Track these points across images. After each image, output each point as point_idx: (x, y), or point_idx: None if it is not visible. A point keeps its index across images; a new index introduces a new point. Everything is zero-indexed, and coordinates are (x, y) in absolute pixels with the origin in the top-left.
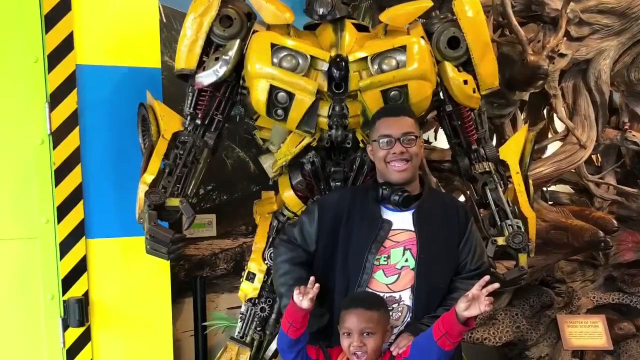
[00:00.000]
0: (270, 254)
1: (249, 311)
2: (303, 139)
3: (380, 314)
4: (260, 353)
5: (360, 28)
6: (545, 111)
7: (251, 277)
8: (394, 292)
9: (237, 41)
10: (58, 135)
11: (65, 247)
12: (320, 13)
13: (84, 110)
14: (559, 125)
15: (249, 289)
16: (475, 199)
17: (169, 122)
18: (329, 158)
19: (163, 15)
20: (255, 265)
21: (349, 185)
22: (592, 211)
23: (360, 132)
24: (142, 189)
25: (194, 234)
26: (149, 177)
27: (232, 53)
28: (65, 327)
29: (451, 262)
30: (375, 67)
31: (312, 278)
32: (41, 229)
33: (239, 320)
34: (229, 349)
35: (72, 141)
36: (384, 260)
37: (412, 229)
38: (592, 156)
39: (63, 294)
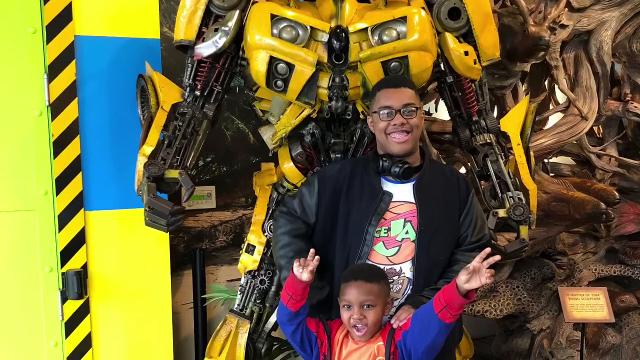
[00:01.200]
0: (270, 226)
1: (248, 283)
2: (303, 111)
3: (381, 287)
4: (260, 325)
5: None
6: (546, 82)
7: (251, 249)
8: (395, 264)
9: (237, 12)
10: (56, 107)
11: (64, 219)
12: None
13: (83, 82)
14: (560, 97)
15: (248, 261)
16: (476, 170)
17: (168, 93)
18: (329, 130)
19: None
20: (255, 237)
21: (349, 157)
22: (594, 183)
23: (360, 103)
24: (141, 160)
25: (193, 205)
26: (147, 148)
27: (231, 24)
28: (64, 299)
29: (452, 234)
30: (376, 38)
31: (312, 250)
32: (39, 201)
33: (239, 292)
34: (228, 321)
35: (70, 113)
36: (385, 233)
37: (413, 200)
38: (594, 128)
39: (62, 267)
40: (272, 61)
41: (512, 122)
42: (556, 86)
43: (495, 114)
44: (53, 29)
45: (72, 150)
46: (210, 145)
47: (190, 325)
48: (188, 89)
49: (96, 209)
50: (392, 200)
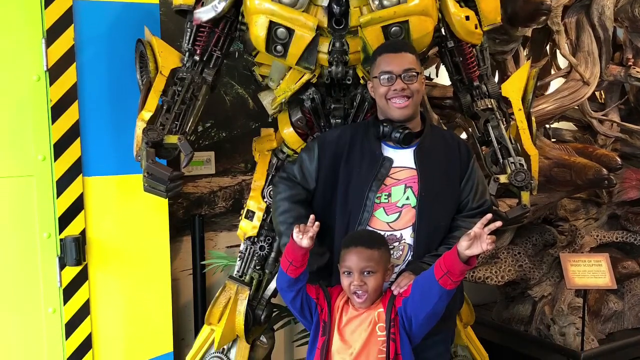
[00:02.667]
0: (270, 191)
1: (248, 250)
2: (303, 76)
3: (381, 253)
4: (260, 292)
5: None
6: (548, 47)
7: (250, 215)
8: (395, 230)
9: None
10: (55, 72)
11: (62, 185)
12: None
13: (81, 47)
14: (562, 62)
15: (248, 227)
16: (477, 136)
17: (167, 58)
18: (329, 95)
19: None
20: (255, 203)
21: (349, 122)
22: (596, 148)
23: (360, 68)
24: (140, 126)
25: (193, 171)
26: (146, 114)
27: None
28: (62, 266)
29: (453, 200)
30: (376, 2)
31: (312, 216)
32: (38, 166)
33: (238, 259)
34: (227, 288)
35: (69, 78)
36: (385, 198)
37: (413, 166)
38: (596, 93)
39: (60, 233)
40: (272, 26)
41: (514, 87)
42: (558, 51)
43: (496, 79)
44: None
45: (71, 116)
46: (209, 111)
47: (190, 291)
48: (187, 54)
49: (95, 174)
50: (393, 166)
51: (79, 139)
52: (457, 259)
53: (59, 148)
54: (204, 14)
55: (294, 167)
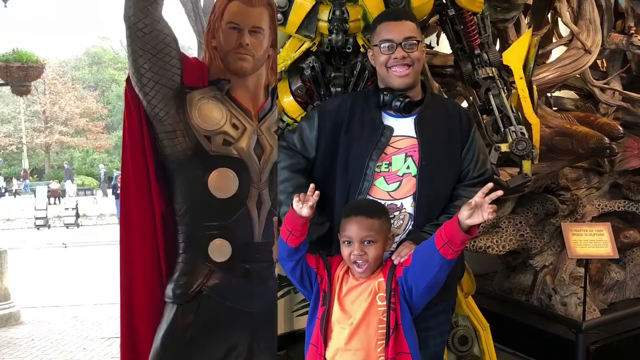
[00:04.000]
0: None
1: None
2: (303, 44)
3: (381, 222)
4: None
5: None
6: (549, 15)
7: None
8: (396, 199)
9: None
10: None
11: None
12: None
13: None
14: (564, 30)
15: None
16: (478, 104)
17: None
18: (329, 63)
19: None
20: None
21: (350, 90)
22: (597, 117)
23: (361, 36)
24: None
25: None
26: None
27: None
28: None
29: (454, 169)
30: None
31: (311, 185)
32: None
33: None
34: None
35: None
36: (385, 167)
37: (414, 135)
38: (597, 61)
39: None
40: None
41: (515, 56)
42: (559, 19)
43: (497, 47)
44: None
45: None
46: None
47: None
48: None
49: None
50: (393, 134)
51: None
52: (457, 228)
53: None
54: None
55: (293, 136)
